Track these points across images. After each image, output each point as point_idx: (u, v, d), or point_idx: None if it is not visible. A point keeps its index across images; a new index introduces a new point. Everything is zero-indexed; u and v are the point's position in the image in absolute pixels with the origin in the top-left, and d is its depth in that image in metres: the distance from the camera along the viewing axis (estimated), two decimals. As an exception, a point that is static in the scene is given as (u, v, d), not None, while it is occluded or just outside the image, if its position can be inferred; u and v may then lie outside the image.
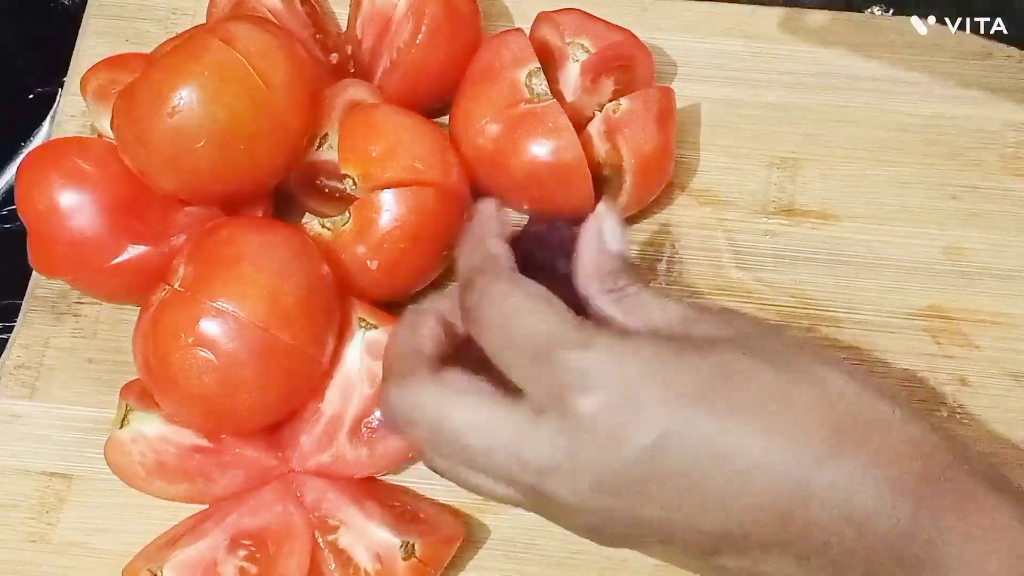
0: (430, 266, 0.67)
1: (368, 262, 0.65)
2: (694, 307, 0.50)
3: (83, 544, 0.65)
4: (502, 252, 0.52)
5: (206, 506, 0.64)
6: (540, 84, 0.68)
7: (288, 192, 0.71)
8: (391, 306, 0.66)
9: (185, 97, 0.61)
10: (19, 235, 0.68)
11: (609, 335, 0.47)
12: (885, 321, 0.68)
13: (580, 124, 0.69)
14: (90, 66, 0.71)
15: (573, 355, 0.46)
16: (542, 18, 0.72)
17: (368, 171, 0.66)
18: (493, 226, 0.54)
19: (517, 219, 0.58)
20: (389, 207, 0.65)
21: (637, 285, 0.50)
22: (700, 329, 0.48)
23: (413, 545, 0.61)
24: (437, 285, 0.69)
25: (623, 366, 0.46)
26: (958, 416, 0.66)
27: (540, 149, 0.67)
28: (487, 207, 0.55)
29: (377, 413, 0.64)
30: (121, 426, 0.64)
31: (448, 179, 0.67)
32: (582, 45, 0.70)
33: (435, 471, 0.51)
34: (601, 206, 0.53)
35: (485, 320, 0.49)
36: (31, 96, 0.81)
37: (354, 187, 0.66)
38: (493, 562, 0.64)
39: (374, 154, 0.66)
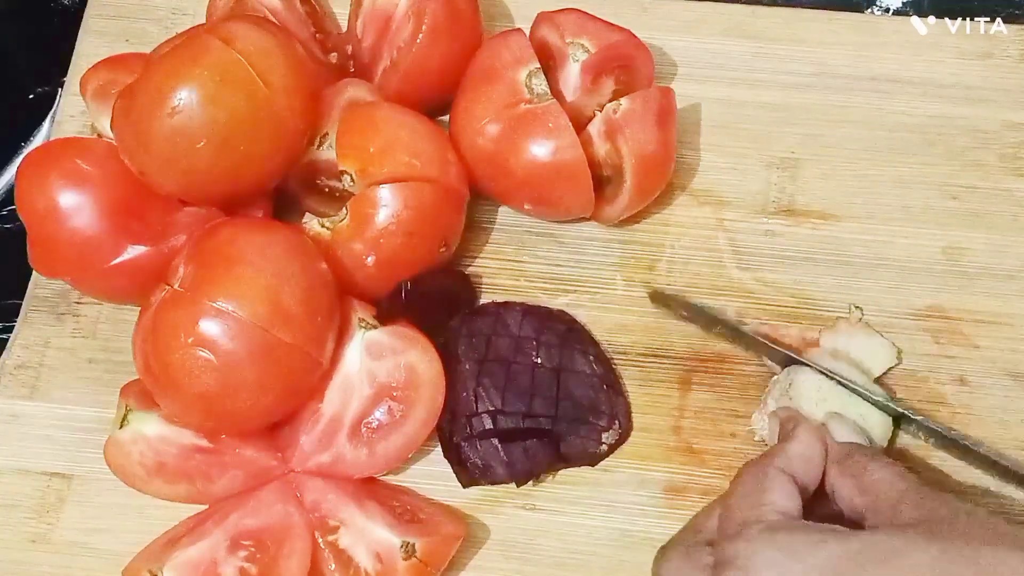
0: (427, 262, 0.67)
1: (365, 258, 0.65)
2: (916, 487, 0.54)
3: (83, 544, 0.65)
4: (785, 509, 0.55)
5: (206, 506, 0.64)
6: (540, 84, 0.68)
7: (288, 192, 0.71)
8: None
9: (185, 97, 0.61)
10: (19, 235, 0.68)
11: (760, 528, 0.52)
12: (885, 321, 0.68)
13: (580, 124, 0.69)
14: (90, 66, 0.71)
15: (728, 543, 0.53)
16: (542, 18, 0.72)
17: (365, 167, 0.66)
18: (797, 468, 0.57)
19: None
20: (386, 202, 0.65)
21: (876, 462, 0.56)
22: (905, 511, 0.53)
23: (413, 545, 0.61)
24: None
25: (755, 552, 0.52)
26: (958, 416, 0.66)
27: (540, 149, 0.67)
28: (805, 443, 0.58)
29: (376, 413, 0.64)
30: (121, 426, 0.64)
31: (445, 176, 0.67)
32: (582, 45, 0.70)
33: None
34: (830, 416, 0.62)
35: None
36: (31, 96, 0.81)
37: (352, 183, 0.66)
38: (493, 562, 0.64)
39: (372, 150, 0.66)
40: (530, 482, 0.65)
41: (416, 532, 0.62)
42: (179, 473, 0.64)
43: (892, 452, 0.65)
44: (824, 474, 0.57)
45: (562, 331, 0.67)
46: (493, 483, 0.65)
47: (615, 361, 0.68)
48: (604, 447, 0.65)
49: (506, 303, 0.69)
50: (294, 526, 0.62)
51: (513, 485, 0.65)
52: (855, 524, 0.55)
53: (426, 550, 0.61)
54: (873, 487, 0.55)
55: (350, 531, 0.62)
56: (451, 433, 0.65)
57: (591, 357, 0.67)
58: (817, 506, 0.57)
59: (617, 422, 0.66)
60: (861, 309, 0.68)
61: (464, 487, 0.65)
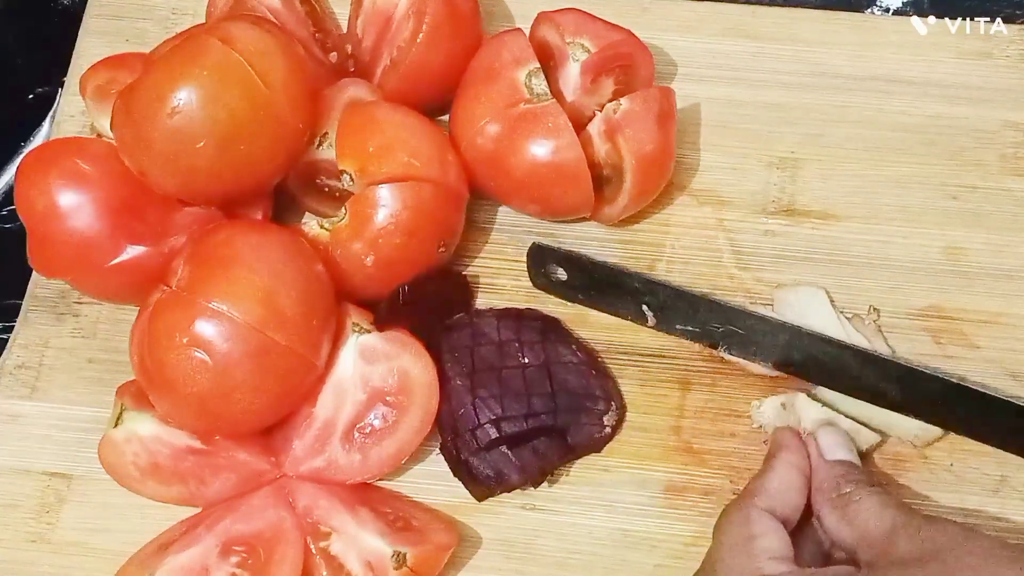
0: (426, 262, 0.67)
1: (364, 258, 0.65)
2: (908, 517, 0.54)
3: (83, 544, 0.66)
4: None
5: (200, 508, 0.64)
6: (540, 84, 0.68)
7: (288, 192, 0.71)
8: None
9: (185, 97, 0.61)
10: (19, 235, 0.68)
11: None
12: (885, 321, 0.68)
13: (580, 124, 0.69)
14: (90, 66, 0.71)
15: None
16: (542, 18, 0.72)
17: (365, 167, 0.66)
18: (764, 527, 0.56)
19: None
20: (385, 202, 0.65)
21: (862, 490, 0.56)
22: (901, 544, 0.53)
23: (404, 555, 0.60)
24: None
25: None
26: (958, 417, 0.66)
27: (540, 149, 0.67)
28: (782, 475, 0.59)
29: (370, 418, 0.64)
30: (115, 425, 0.64)
31: (445, 176, 0.67)
32: (582, 45, 0.70)
33: None
34: (822, 425, 0.61)
35: None
36: (31, 96, 0.81)
37: (351, 183, 0.66)
38: (493, 562, 0.64)
39: (371, 150, 0.66)
40: (545, 482, 0.65)
41: (408, 541, 0.61)
42: (172, 474, 0.64)
43: (886, 449, 0.65)
44: (810, 499, 0.57)
45: (539, 327, 0.67)
46: (508, 490, 0.65)
47: (616, 360, 0.68)
48: (608, 429, 0.65)
49: (477, 311, 0.69)
50: (286, 532, 0.62)
51: (513, 485, 0.65)
52: (848, 554, 0.54)
53: (417, 560, 0.61)
54: (861, 519, 0.55)
55: (342, 538, 0.62)
56: (457, 450, 0.65)
57: (573, 346, 0.67)
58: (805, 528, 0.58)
59: (613, 402, 0.66)
60: (878, 311, 0.68)
61: (479, 501, 0.65)
